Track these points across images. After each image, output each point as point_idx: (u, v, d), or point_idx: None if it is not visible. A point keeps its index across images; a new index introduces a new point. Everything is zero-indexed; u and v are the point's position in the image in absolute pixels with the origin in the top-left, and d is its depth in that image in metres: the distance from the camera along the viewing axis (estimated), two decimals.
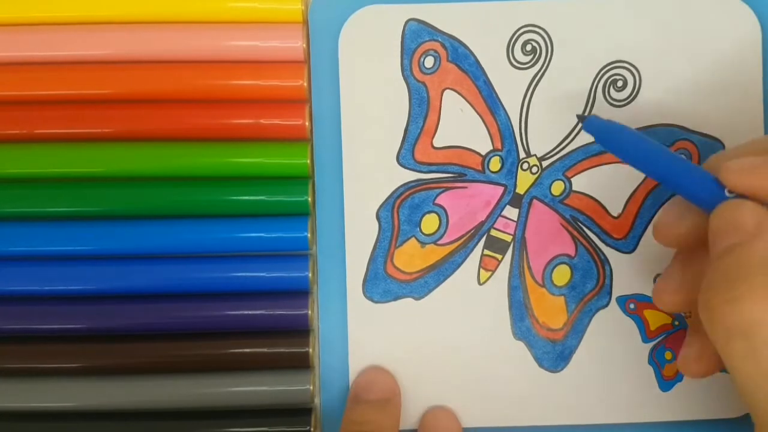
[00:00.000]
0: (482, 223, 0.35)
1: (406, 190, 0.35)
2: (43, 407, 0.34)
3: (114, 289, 0.34)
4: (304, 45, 0.34)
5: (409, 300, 0.35)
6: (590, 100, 0.35)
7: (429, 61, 0.35)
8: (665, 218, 0.30)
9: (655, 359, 0.35)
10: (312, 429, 0.34)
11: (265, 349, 0.34)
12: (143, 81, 0.34)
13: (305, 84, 0.34)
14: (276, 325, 0.34)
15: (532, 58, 0.35)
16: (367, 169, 0.35)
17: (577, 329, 0.35)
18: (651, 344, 0.35)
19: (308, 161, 0.34)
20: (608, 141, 0.31)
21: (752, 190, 0.26)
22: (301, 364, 0.34)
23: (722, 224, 0.26)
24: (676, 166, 0.28)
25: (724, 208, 0.26)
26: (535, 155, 0.35)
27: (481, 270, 0.35)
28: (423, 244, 0.35)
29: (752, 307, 0.24)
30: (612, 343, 0.35)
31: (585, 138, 0.35)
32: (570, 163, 0.35)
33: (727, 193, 0.27)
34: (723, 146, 0.34)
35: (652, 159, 0.29)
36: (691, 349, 0.31)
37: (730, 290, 0.24)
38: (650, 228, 0.35)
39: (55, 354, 0.34)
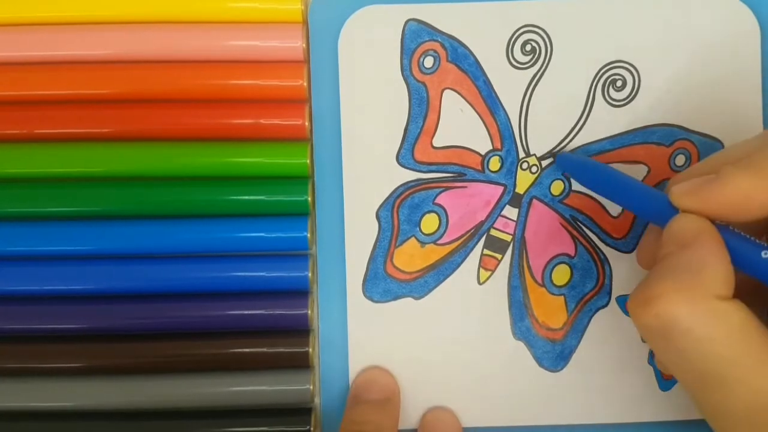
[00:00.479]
0: (482, 223, 0.35)
1: (405, 189, 0.35)
2: (43, 407, 0.34)
3: (113, 289, 0.34)
4: (304, 45, 0.34)
5: (409, 300, 0.35)
6: (589, 100, 0.35)
7: (429, 61, 0.35)
8: (642, 245, 0.32)
9: (656, 359, 0.35)
10: (312, 429, 0.34)
11: (265, 349, 0.34)
12: (143, 81, 0.34)
13: (305, 84, 0.34)
14: (276, 325, 0.34)
15: (532, 58, 0.35)
16: (367, 169, 0.35)
17: (576, 329, 0.35)
18: None
19: (308, 161, 0.34)
20: (577, 174, 0.34)
21: (696, 209, 0.27)
22: (301, 364, 0.34)
23: (665, 237, 0.28)
24: (636, 192, 0.30)
25: (669, 223, 0.28)
26: (534, 155, 0.35)
27: (481, 270, 0.35)
28: (423, 243, 0.35)
29: (663, 307, 0.25)
30: (612, 342, 0.35)
31: (585, 137, 0.35)
32: None
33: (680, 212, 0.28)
34: (722, 146, 0.34)
35: (616, 187, 0.31)
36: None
37: (644, 293, 0.26)
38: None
39: (55, 354, 0.34)
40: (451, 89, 0.35)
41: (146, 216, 0.34)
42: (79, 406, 0.34)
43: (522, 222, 0.35)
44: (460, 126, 0.35)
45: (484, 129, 0.35)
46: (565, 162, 0.34)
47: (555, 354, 0.35)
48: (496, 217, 0.35)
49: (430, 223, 0.35)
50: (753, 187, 0.26)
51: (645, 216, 0.30)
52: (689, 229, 0.27)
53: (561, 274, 0.35)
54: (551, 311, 0.35)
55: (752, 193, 0.26)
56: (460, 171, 0.35)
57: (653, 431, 0.35)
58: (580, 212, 0.35)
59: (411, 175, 0.35)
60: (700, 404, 0.27)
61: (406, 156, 0.35)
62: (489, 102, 0.35)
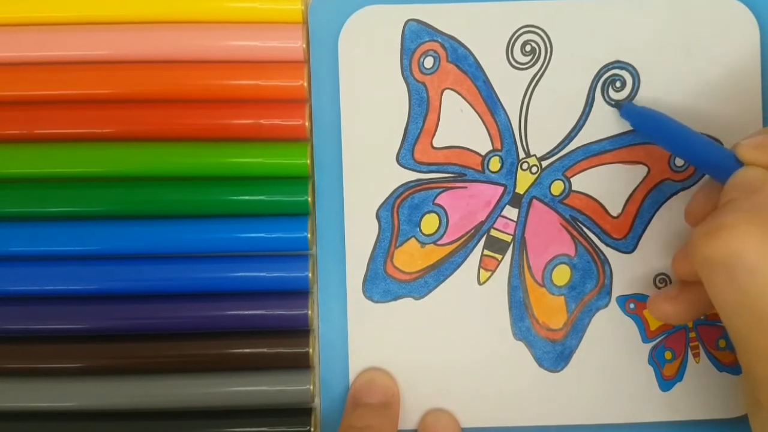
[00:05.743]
0: (482, 223, 0.35)
1: (405, 190, 0.35)
2: (43, 407, 0.34)
3: (114, 289, 0.34)
4: (304, 45, 0.34)
5: (409, 300, 0.35)
6: (589, 100, 0.35)
7: (429, 62, 0.35)
8: (694, 202, 0.32)
9: (655, 359, 0.35)
10: (312, 429, 0.34)
11: (265, 349, 0.34)
12: (143, 81, 0.34)
13: (305, 84, 0.34)
14: (276, 325, 0.34)
15: (532, 59, 0.35)
16: (367, 170, 0.35)
17: (577, 329, 0.35)
18: (651, 344, 0.35)
19: (308, 161, 0.34)
20: (642, 126, 0.34)
21: (763, 161, 0.28)
22: (301, 364, 0.34)
23: (730, 186, 0.28)
24: (701, 146, 0.31)
25: (734, 174, 0.28)
26: (534, 155, 0.35)
27: (481, 270, 0.35)
28: (423, 244, 0.35)
29: (733, 239, 0.26)
30: (612, 343, 0.35)
31: (584, 138, 0.35)
32: (569, 163, 0.35)
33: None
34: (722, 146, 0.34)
35: (680, 140, 0.32)
36: (669, 290, 0.33)
37: (715, 222, 0.26)
38: (650, 228, 0.35)
39: (55, 354, 0.34)
40: (451, 89, 0.35)
41: (146, 216, 0.34)
42: (79, 406, 0.34)
43: (522, 222, 0.35)
44: (460, 126, 0.35)
45: (484, 129, 0.35)
46: (630, 113, 0.34)
47: (555, 354, 0.35)
48: (496, 218, 0.35)
49: (430, 223, 0.35)
50: None
51: (707, 169, 0.31)
52: (757, 178, 0.28)
53: (561, 275, 0.35)
54: (551, 311, 0.35)
55: None
56: (460, 171, 0.35)
57: (653, 431, 0.35)
58: (580, 212, 0.35)
59: (411, 176, 0.35)
60: (748, 347, 0.27)
61: (406, 156, 0.35)
62: (489, 102, 0.35)
